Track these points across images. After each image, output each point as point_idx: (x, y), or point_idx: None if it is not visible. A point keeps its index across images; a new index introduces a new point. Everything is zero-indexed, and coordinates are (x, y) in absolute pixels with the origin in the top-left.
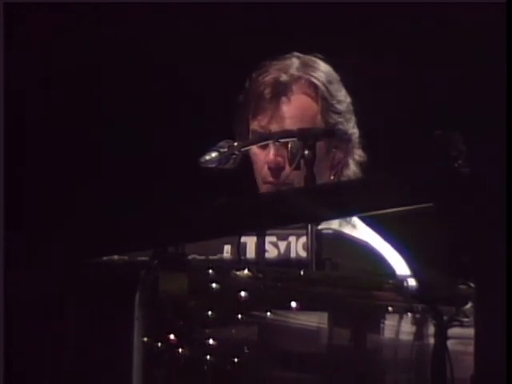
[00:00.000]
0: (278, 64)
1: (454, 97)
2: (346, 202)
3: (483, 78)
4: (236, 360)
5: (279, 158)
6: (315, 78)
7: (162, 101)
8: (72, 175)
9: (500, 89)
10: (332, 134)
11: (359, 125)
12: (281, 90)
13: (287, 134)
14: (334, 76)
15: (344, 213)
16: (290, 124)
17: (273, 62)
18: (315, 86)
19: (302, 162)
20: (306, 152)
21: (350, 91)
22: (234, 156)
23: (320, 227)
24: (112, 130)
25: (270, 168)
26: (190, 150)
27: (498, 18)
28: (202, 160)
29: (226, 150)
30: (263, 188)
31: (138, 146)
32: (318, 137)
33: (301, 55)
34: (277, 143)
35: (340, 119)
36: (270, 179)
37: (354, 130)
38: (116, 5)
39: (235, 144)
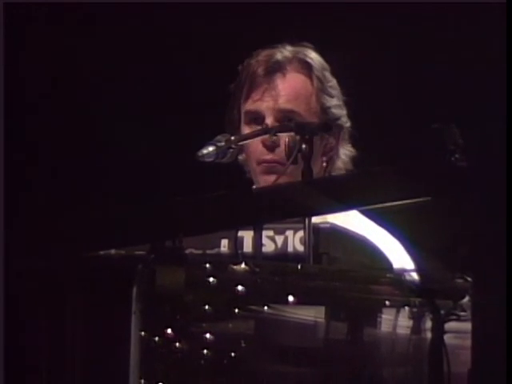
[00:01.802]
0: (271, 49)
1: (452, 92)
2: (343, 196)
3: (482, 75)
4: (233, 354)
5: (275, 137)
6: (310, 58)
7: (159, 95)
8: (69, 170)
9: (499, 87)
10: (329, 129)
11: (356, 118)
12: (275, 67)
13: (284, 128)
14: (325, 64)
15: (341, 207)
16: (284, 102)
17: (265, 49)
18: (310, 67)
19: (299, 155)
20: (304, 146)
21: (346, 85)
22: (231, 150)
23: (317, 221)
24: (109, 125)
25: (265, 145)
26: (187, 143)
27: (498, 18)
28: (199, 154)
29: (223, 143)
30: (258, 169)
31: (135, 140)
32: (315, 131)
33: (290, 44)
34: (274, 137)
35: (334, 103)
36: (267, 157)
37: (345, 119)
38: (116, 5)
39: (232, 138)
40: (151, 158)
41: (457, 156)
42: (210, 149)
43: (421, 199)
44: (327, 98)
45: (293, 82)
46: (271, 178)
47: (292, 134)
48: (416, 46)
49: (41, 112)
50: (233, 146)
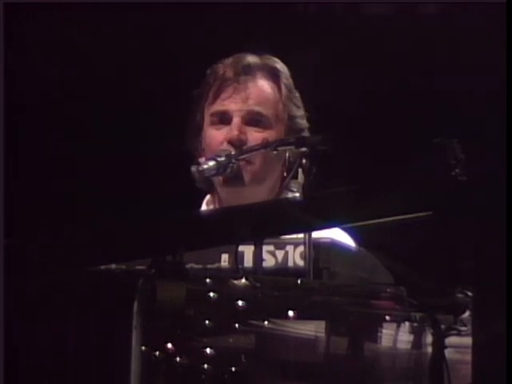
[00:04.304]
0: (240, 55)
1: (451, 97)
2: (345, 211)
3: (481, 78)
4: (233, 369)
5: (243, 136)
6: (279, 66)
7: (161, 107)
8: (71, 183)
9: (499, 89)
10: (329, 143)
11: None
12: (246, 70)
13: (285, 142)
14: (290, 77)
15: (343, 221)
16: (253, 104)
17: (232, 56)
18: (278, 74)
19: (299, 170)
20: (304, 161)
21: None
22: (231, 164)
23: (317, 236)
24: (110, 128)
25: (232, 144)
26: (188, 158)
27: (498, 18)
28: (200, 169)
29: (223, 158)
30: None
31: (137, 153)
32: (316, 145)
33: (259, 55)
34: (274, 152)
35: (299, 113)
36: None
37: (307, 132)
38: (115, 4)
39: (232, 153)
40: (154, 171)
41: (457, 170)
42: (211, 164)
43: (422, 214)
44: (294, 107)
45: (262, 87)
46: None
47: (292, 148)
48: (414, 49)
49: (41, 113)
50: (233, 161)
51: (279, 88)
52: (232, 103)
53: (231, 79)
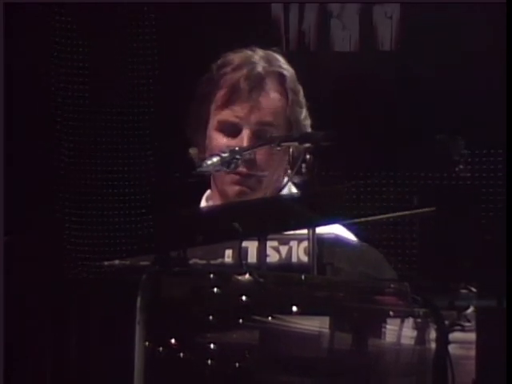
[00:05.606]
0: (242, 56)
1: (452, 99)
2: (348, 206)
3: (482, 78)
4: (237, 364)
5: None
6: (285, 70)
7: (161, 96)
8: (72, 178)
9: (499, 89)
10: (332, 139)
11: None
12: (258, 83)
13: (289, 138)
14: (294, 73)
15: (347, 217)
16: (264, 115)
17: (236, 54)
18: (285, 80)
19: (303, 166)
20: (308, 156)
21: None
22: (235, 160)
23: (321, 231)
24: (112, 127)
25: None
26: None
27: (498, 18)
28: (204, 165)
29: (227, 154)
30: (228, 178)
31: (140, 147)
32: (319, 141)
33: (260, 49)
34: (278, 148)
35: (303, 115)
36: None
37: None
38: (115, 4)
39: (236, 149)
40: (155, 167)
41: (461, 167)
42: (215, 160)
43: (425, 210)
44: (299, 110)
45: (272, 96)
46: (243, 190)
47: (296, 144)
48: (415, 48)
49: (41, 113)
50: (237, 157)
51: (286, 93)
52: (243, 116)
53: (245, 90)
